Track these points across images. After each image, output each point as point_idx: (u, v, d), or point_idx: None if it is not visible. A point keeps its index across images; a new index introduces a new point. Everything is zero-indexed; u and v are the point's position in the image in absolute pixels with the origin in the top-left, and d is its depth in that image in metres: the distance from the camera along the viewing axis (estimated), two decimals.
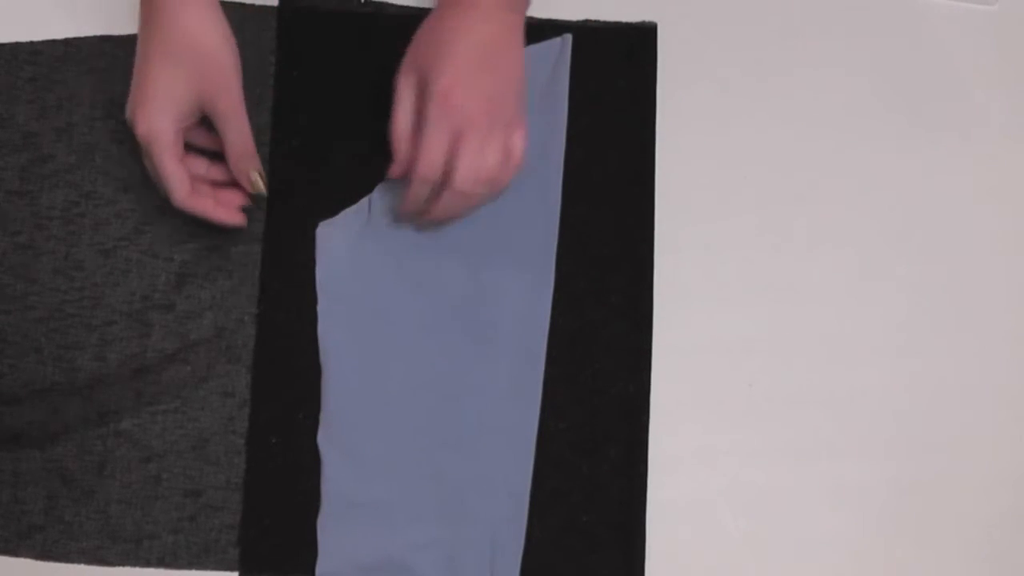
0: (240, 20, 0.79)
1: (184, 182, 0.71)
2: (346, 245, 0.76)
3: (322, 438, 0.74)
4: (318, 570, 0.72)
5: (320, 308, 0.75)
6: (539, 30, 0.79)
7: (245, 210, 0.75)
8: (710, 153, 0.79)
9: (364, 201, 0.76)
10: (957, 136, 0.80)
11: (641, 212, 0.77)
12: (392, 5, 0.80)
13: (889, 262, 0.78)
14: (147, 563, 0.73)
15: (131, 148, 0.77)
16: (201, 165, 0.74)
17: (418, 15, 0.80)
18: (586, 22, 0.80)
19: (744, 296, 0.77)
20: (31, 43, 0.78)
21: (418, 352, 0.74)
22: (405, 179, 0.72)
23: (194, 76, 0.69)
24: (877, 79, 0.81)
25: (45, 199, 0.77)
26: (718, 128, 0.80)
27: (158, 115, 0.69)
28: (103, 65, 0.78)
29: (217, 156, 0.73)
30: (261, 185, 0.73)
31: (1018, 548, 0.75)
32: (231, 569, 0.72)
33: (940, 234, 0.79)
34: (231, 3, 0.79)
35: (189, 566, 0.73)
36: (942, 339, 0.77)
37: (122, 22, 0.79)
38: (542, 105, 0.77)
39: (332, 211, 0.77)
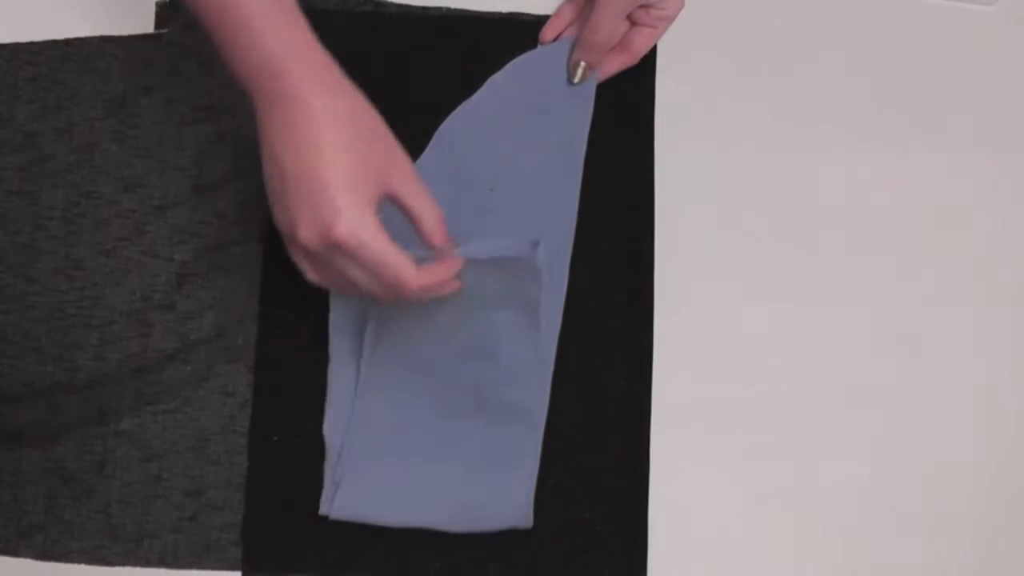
0: None
1: (410, 260, 0.62)
2: None
3: (327, 429, 0.74)
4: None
5: (332, 295, 0.75)
6: (539, 27, 0.79)
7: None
8: (709, 152, 0.79)
9: None
10: (957, 137, 0.80)
11: (641, 208, 0.77)
12: (392, 4, 0.80)
13: (889, 262, 0.78)
14: (148, 563, 0.73)
15: (131, 148, 0.77)
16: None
17: (418, 15, 0.80)
18: None
19: (744, 296, 0.77)
20: (31, 43, 0.78)
21: (427, 341, 0.74)
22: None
23: (368, 155, 0.61)
24: (876, 79, 0.81)
25: (45, 199, 0.77)
26: (717, 127, 0.80)
27: (356, 208, 0.60)
28: (103, 65, 0.78)
29: None
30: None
31: (1017, 547, 0.75)
32: (233, 568, 0.72)
33: (940, 234, 0.79)
34: None
35: (190, 565, 0.73)
36: (942, 339, 0.77)
37: (122, 22, 0.79)
38: (566, 103, 0.78)
39: None
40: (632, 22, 0.78)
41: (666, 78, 0.80)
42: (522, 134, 0.78)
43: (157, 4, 0.80)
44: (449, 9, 0.81)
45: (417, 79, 0.79)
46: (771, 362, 0.76)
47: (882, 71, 0.81)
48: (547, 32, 0.79)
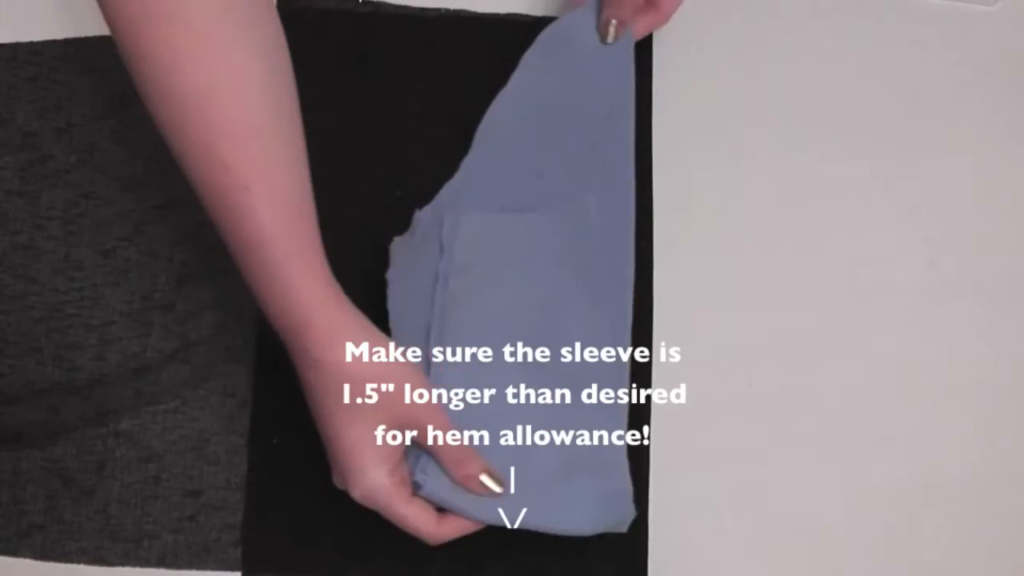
0: None
1: (428, 517, 0.65)
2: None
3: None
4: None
5: (388, 275, 0.72)
6: (536, 28, 0.79)
7: None
8: (709, 152, 0.79)
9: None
10: (957, 137, 0.80)
11: (641, 208, 0.77)
12: (390, 4, 0.81)
13: (889, 263, 0.78)
14: (147, 563, 0.73)
15: (131, 148, 0.77)
16: None
17: (417, 15, 0.80)
18: None
19: (744, 296, 0.77)
20: (31, 43, 0.78)
21: (499, 335, 0.71)
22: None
23: (387, 412, 0.63)
24: (876, 79, 0.81)
25: (45, 199, 0.77)
26: (716, 128, 0.80)
27: (370, 474, 0.63)
28: (103, 65, 0.78)
29: None
30: (493, 484, 0.66)
31: (1018, 548, 0.75)
32: (233, 569, 0.72)
33: (940, 236, 0.79)
34: None
35: (190, 566, 0.72)
36: (942, 339, 0.77)
37: None
38: (604, 71, 0.76)
39: (331, 210, 0.76)
40: None
41: (666, 78, 0.80)
42: (563, 113, 0.76)
43: None
44: (448, 9, 0.81)
45: (416, 80, 0.79)
46: (771, 362, 0.76)
47: (881, 71, 0.81)
48: None
